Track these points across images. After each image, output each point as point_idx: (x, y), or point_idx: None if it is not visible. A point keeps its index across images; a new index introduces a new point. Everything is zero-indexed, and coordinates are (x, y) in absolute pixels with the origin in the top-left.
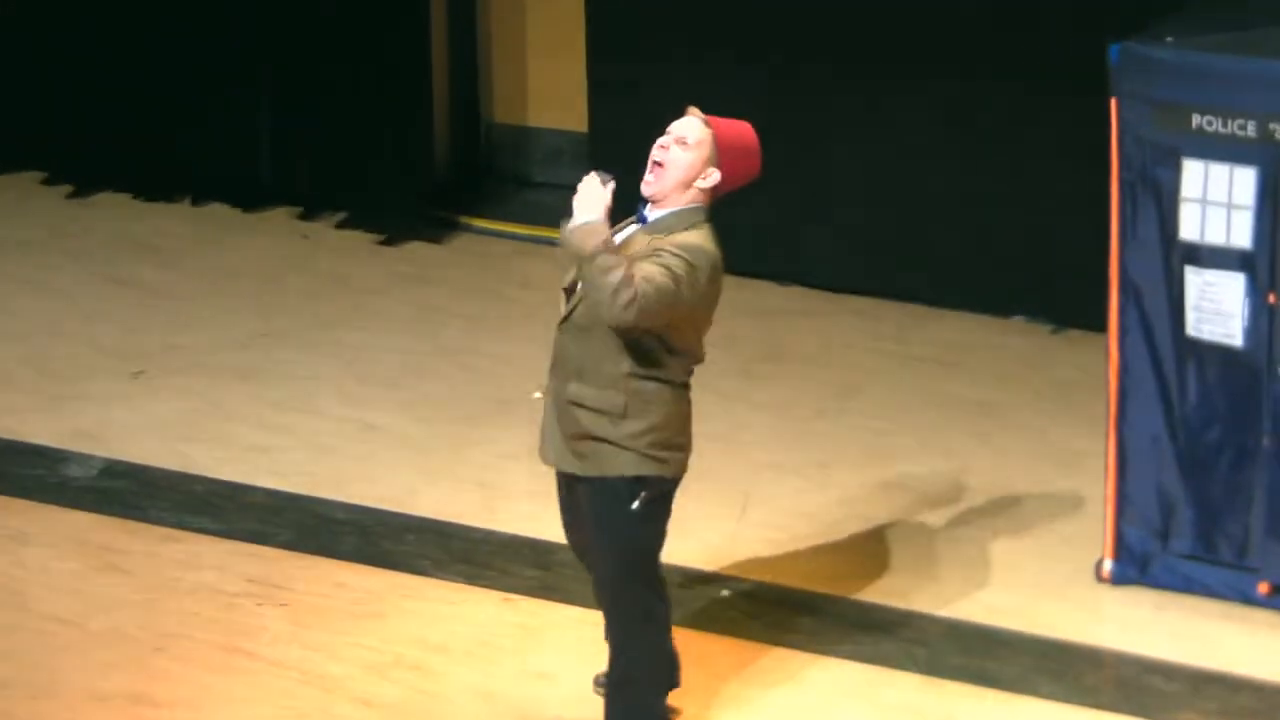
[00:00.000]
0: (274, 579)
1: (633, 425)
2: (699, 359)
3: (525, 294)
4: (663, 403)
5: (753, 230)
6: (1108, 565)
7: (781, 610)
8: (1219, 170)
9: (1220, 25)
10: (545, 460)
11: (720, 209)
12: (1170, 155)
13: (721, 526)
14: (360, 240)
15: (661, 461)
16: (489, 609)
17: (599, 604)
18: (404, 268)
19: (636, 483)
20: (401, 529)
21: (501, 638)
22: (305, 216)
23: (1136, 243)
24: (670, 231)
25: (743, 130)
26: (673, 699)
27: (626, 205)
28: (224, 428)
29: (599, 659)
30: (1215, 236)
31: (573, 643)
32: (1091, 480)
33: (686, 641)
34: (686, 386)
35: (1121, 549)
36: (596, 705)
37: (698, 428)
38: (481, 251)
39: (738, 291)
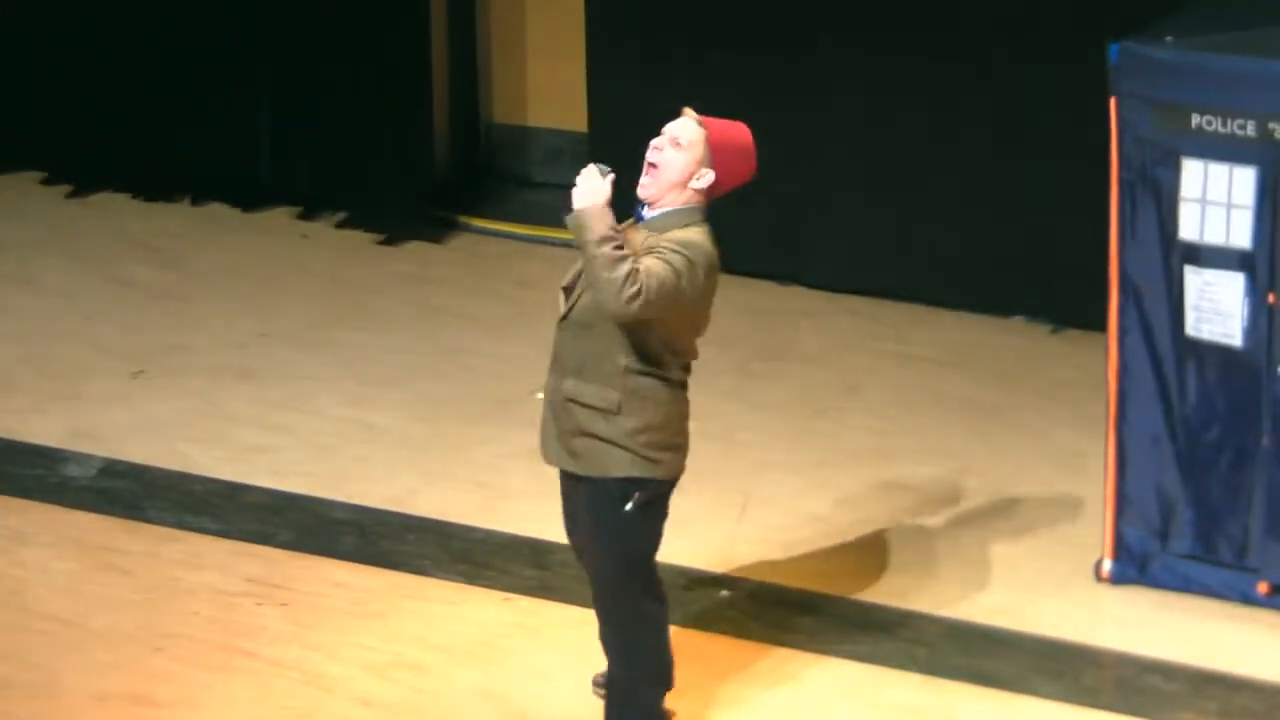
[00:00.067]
0: (274, 579)
1: (628, 423)
2: (694, 357)
3: (525, 293)
4: (659, 401)
5: (752, 230)
6: (1107, 565)
7: (781, 610)
8: (1218, 170)
9: (1220, 25)
10: (546, 459)
11: (719, 208)
12: (1170, 155)
13: (721, 526)
14: (360, 240)
15: (656, 462)
16: (489, 609)
17: (594, 604)
18: (404, 267)
19: (630, 484)
20: (401, 529)
21: (501, 637)
22: (305, 216)
23: (1136, 242)
24: (667, 230)
25: (737, 130)
26: (669, 699)
27: (626, 204)
28: (224, 428)
29: (598, 659)
30: (1215, 236)
31: (572, 642)
32: (1091, 480)
33: (686, 641)
34: (684, 386)
35: (1121, 549)
36: (595, 705)
37: (696, 427)
38: (481, 251)
39: (737, 291)
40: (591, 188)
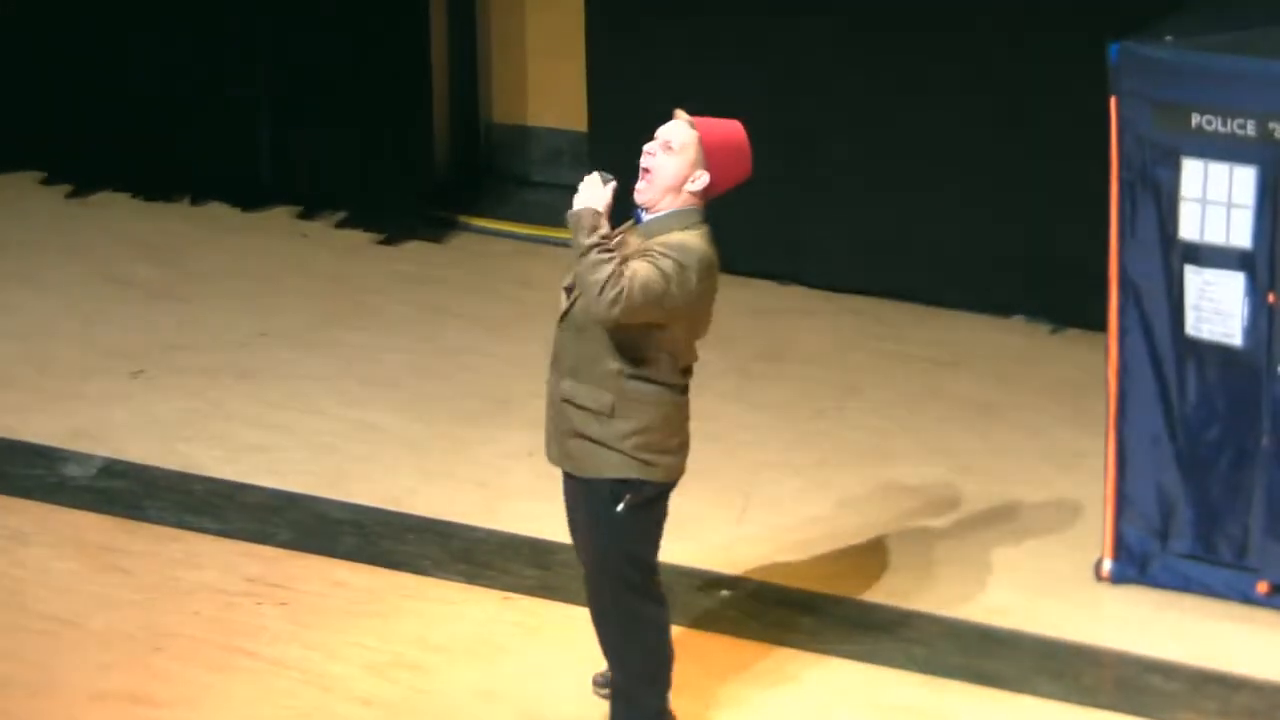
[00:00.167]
0: (273, 578)
1: (621, 425)
2: (692, 359)
3: (525, 293)
4: (653, 404)
5: (752, 229)
6: (1107, 565)
7: (781, 610)
8: (1218, 169)
9: (1220, 24)
10: (549, 458)
11: (719, 208)
12: (1170, 154)
13: (721, 527)
14: (360, 240)
15: (649, 465)
16: (488, 608)
17: (589, 604)
18: (404, 267)
19: (621, 485)
20: (401, 528)
21: (501, 637)
22: (305, 216)
23: (1136, 242)
24: (664, 233)
25: (731, 130)
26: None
27: (626, 206)
28: (224, 427)
29: (598, 658)
30: (1215, 236)
31: (572, 642)
32: (1091, 480)
33: (686, 641)
34: (682, 390)
35: (1121, 549)
36: (595, 704)
37: (696, 427)
38: (481, 251)
39: (737, 291)
40: (591, 194)
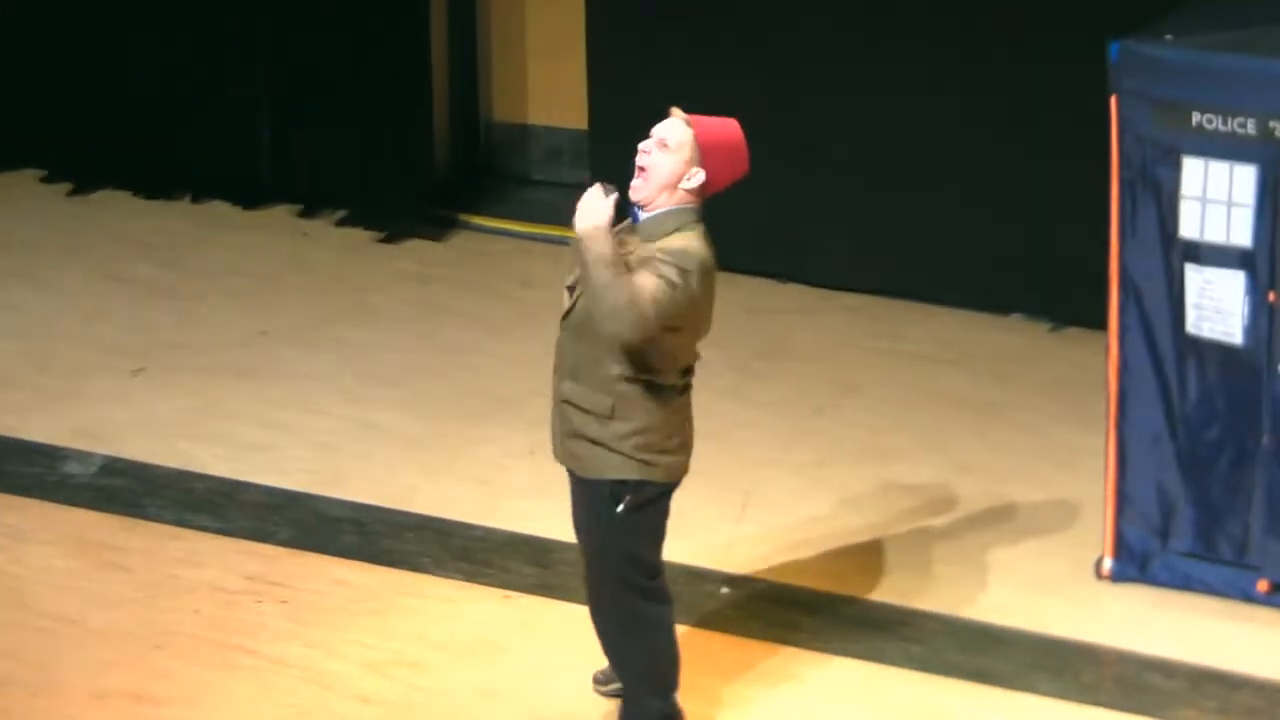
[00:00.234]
0: (273, 576)
1: (620, 427)
2: (694, 360)
3: (525, 292)
4: (652, 406)
5: (750, 228)
6: (1107, 563)
7: (782, 609)
8: (1219, 168)
9: (1220, 23)
10: (555, 456)
11: (717, 206)
12: (1170, 153)
13: (721, 526)
14: (360, 238)
15: (649, 465)
16: (488, 606)
17: (588, 603)
18: (404, 266)
19: (621, 485)
20: (401, 527)
21: (501, 635)
22: (305, 215)
23: (1136, 240)
24: (661, 232)
25: (727, 128)
26: None
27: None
28: (224, 426)
29: (598, 656)
30: (1215, 234)
31: (572, 640)
32: (1091, 479)
33: (687, 641)
34: (682, 390)
35: (1121, 547)
36: (595, 703)
37: (695, 426)
38: (481, 250)
39: (735, 289)
40: (593, 208)
